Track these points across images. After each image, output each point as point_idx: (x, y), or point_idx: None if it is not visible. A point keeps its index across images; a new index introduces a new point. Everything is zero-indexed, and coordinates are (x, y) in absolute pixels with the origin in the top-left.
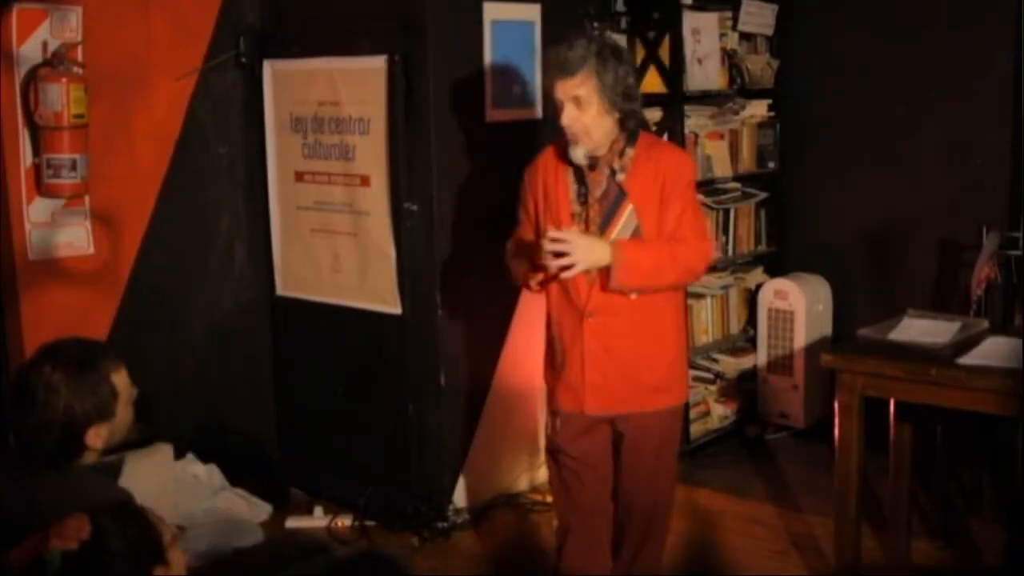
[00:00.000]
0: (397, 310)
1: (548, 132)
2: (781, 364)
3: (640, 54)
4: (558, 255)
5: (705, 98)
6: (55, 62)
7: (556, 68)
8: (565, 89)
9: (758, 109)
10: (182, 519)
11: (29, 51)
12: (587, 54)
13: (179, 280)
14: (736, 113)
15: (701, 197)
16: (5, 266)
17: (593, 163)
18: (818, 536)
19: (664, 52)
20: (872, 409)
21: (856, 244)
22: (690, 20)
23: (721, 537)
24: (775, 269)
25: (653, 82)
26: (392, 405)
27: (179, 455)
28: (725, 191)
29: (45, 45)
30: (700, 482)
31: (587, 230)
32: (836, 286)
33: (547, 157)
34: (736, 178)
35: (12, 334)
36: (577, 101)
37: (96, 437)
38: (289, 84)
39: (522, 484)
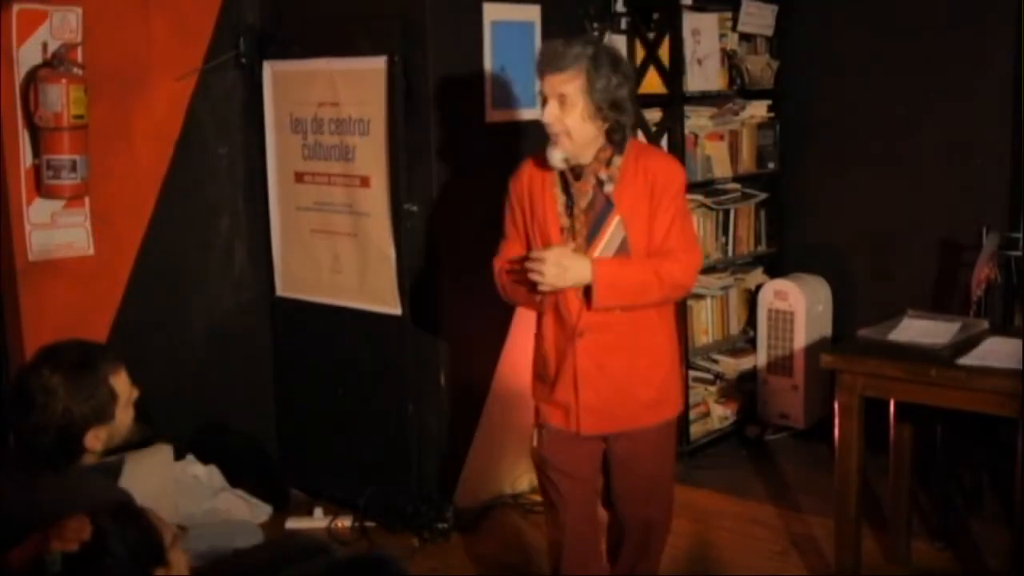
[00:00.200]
0: (397, 311)
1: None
2: (781, 365)
3: (640, 55)
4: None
5: (705, 99)
6: (55, 63)
7: (547, 60)
8: (552, 84)
9: (758, 110)
10: (182, 520)
11: (29, 52)
12: (582, 54)
13: (179, 281)
14: (736, 114)
15: (701, 198)
16: (5, 267)
17: (578, 172)
18: (818, 536)
19: (664, 53)
20: (872, 409)
21: (856, 244)
22: (690, 21)
23: (721, 537)
24: (775, 270)
25: (653, 83)
26: (392, 406)
27: (179, 456)
28: (725, 192)
29: (45, 46)
30: (700, 483)
31: (574, 243)
32: (836, 286)
33: (530, 166)
34: (736, 179)
35: (12, 335)
36: (562, 99)
37: (95, 439)
38: (289, 85)
39: (522, 485)
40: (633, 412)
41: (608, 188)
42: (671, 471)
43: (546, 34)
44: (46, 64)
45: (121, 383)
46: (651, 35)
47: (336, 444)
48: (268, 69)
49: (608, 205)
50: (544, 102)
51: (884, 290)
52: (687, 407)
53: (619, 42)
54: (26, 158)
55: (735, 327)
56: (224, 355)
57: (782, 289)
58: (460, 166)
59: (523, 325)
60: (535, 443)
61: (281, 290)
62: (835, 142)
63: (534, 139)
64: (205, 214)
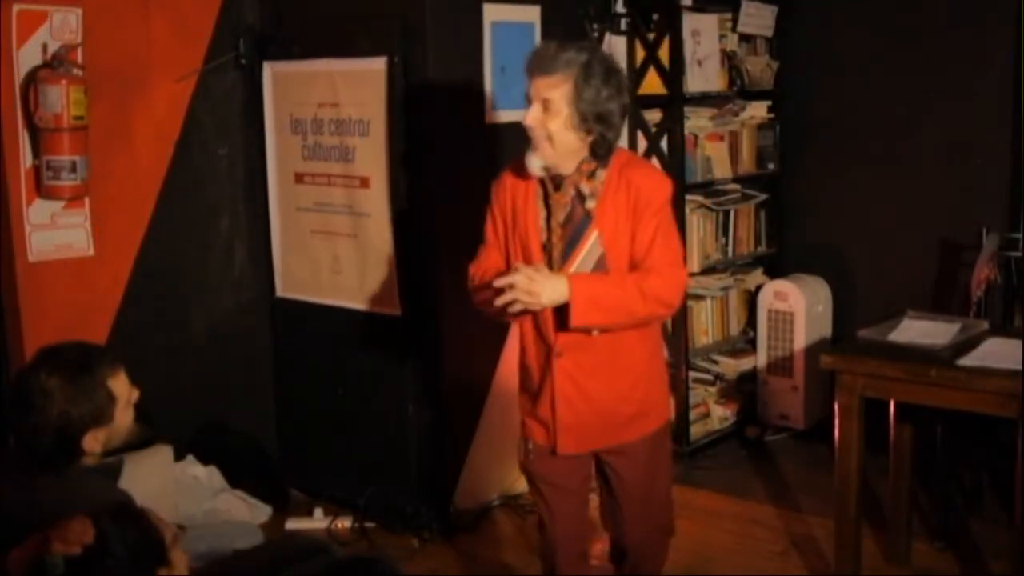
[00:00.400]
0: (397, 311)
1: None
2: (781, 365)
3: (640, 55)
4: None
5: (705, 99)
6: (55, 64)
7: (536, 62)
8: (537, 87)
9: (758, 110)
10: (182, 520)
11: (29, 53)
12: (573, 60)
13: (179, 281)
14: (736, 114)
15: (701, 199)
16: (5, 268)
17: (559, 182)
18: (818, 537)
19: (664, 53)
20: (872, 410)
21: (856, 245)
22: (690, 22)
23: (721, 538)
24: (775, 270)
25: (653, 83)
26: (392, 406)
27: (179, 456)
28: (725, 192)
29: (45, 47)
30: (700, 483)
31: (548, 266)
32: (836, 287)
33: (513, 173)
34: (736, 179)
35: (12, 335)
36: (546, 104)
37: (94, 441)
38: (289, 85)
39: (522, 485)
40: (614, 430)
41: (590, 204)
42: (667, 491)
43: (546, 35)
44: (46, 65)
45: (120, 385)
46: (651, 36)
47: (336, 444)
48: (268, 70)
49: (586, 219)
50: (529, 104)
51: (884, 290)
52: (687, 408)
53: (619, 43)
54: (26, 159)
55: (735, 328)
56: (224, 356)
57: (782, 290)
58: (460, 167)
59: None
60: (521, 456)
61: (281, 291)
62: (835, 142)
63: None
64: (205, 215)
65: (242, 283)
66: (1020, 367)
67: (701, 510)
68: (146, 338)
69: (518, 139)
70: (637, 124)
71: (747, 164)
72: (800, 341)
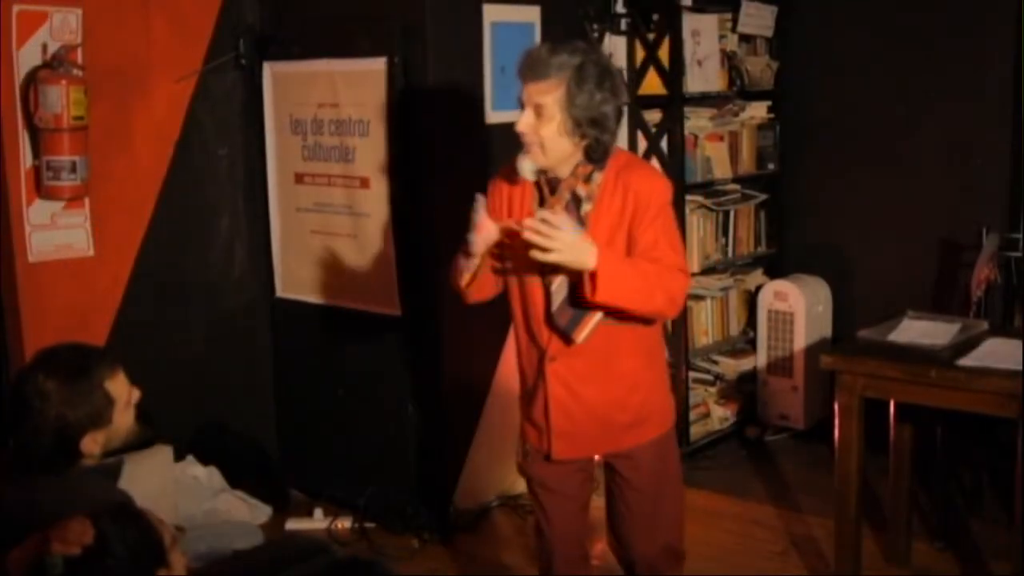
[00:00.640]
0: (397, 312)
1: None
2: (781, 365)
3: (640, 56)
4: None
5: (705, 100)
6: (55, 64)
7: (528, 66)
8: (530, 92)
9: (758, 111)
10: (182, 521)
11: (29, 53)
12: (566, 64)
13: (179, 282)
14: (736, 115)
15: (701, 199)
16: (5, 268)
17: (554, 186)
18: (818, 537)
19: (664, 54)
20: (872, 410)
21: (856, 245)
22: (690, 22)
23: (721, 538)
24: (775, 270)
25: (653, 84)
26: (392, 406)
27: (179, 457)
28: (725, 193)
29: (45, 47)
30: (700, 484)
31: (541, 268)
32: (836, 287)
33: (509, 177)
34: (736, 180)
35: (12, 336)
36: (539, 110)
37: (92, 443)
38: (289, 86)
39: (522, 486)
40: (609, 436)
41: (585, 208)
42: (676, 511)
43: (546, 35)
44: (46, 65)
45: (118, 387)
46: (651, 36)
47: (336, 444)
48: (268, 70)
49: (578, 225)
50: (522, 108)
51: (884, 290)
52: (687, 408)
53: (619, 43)
54: (26, 159)
55: (735, 328)
56: (224, 356)
57: (782, 290)
58: (460, 167)
59: None
60: (519, 457)
61: (281, 291)
62: (835, 143)
63: None
64: (205, 215)
65: (242, 283)
66: (1020, 367)
67: (701, 510)
68: (146, 338)
69: (518, 139)
70: (637, 124)
71: (747, 164)
72: (800, 341)
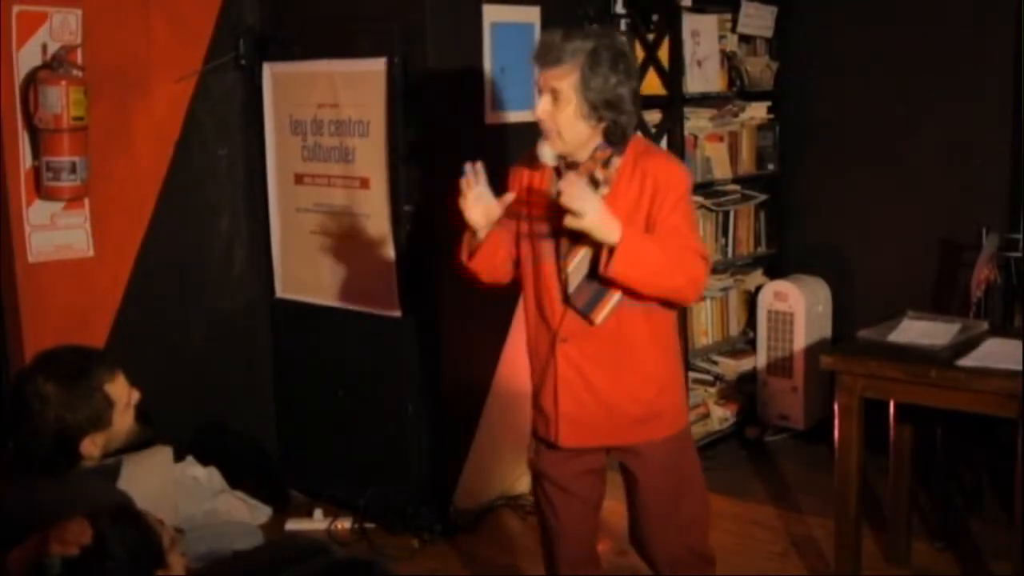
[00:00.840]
0: (397, 312)
1: None
2: (781, 366)
3: (640, 56)
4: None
5: (704, 100)
6: (54, 64)
7: (542, 53)
8: (545, 78)
9: (757, 111)
10: (182, 521)
11: (29, 53)
12: (579, 49)
13: (179, 282)
14: (735, 115)
15: (700, 199)
16: (5, 269)
17: (573, 170)
18: (818, 537)
19: (663, 54)
20: (872, 410)
21: (856, 245)
22: (689, 22)
23: (721, 539)
24: (775, 271)
25: (652, 84)
26: (392, 406)
27: (179, 457)
28: (724, 193)
29: (45, 47)
30: None
31: (556, 250)
32: (836, 287)
33: (529, 162)
34: (735, 180)
35: (12, 336)
36: (555, 95)
37: (92, 445)
38: (289, 86)
39: (522, 486)
40: (618, 428)
41: (602, 191)
42: (699, 512)
43: None
44: (46, 66)
45: (118, 389)
46: (651, 36)
47: (336, 445)
48: (268, 70)
49: None
50: (537, 95)
51: (884, 291)
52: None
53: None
54: (26, 160)
55: (735, 328)
56: (224, 357)
57: (782, 290)
58: (460, 168)
59: (523, 326)
60: (530, 453)
61: (281, 292)
62: (835, 143)
63: (533, 141)
64: (205, 215)
65: (242, 283)
66: (1020, 367)
67: None
68: (146, 338)
69: (518, 139)
70: (637, 125)
71: (747, 165)
72: (800, 341)
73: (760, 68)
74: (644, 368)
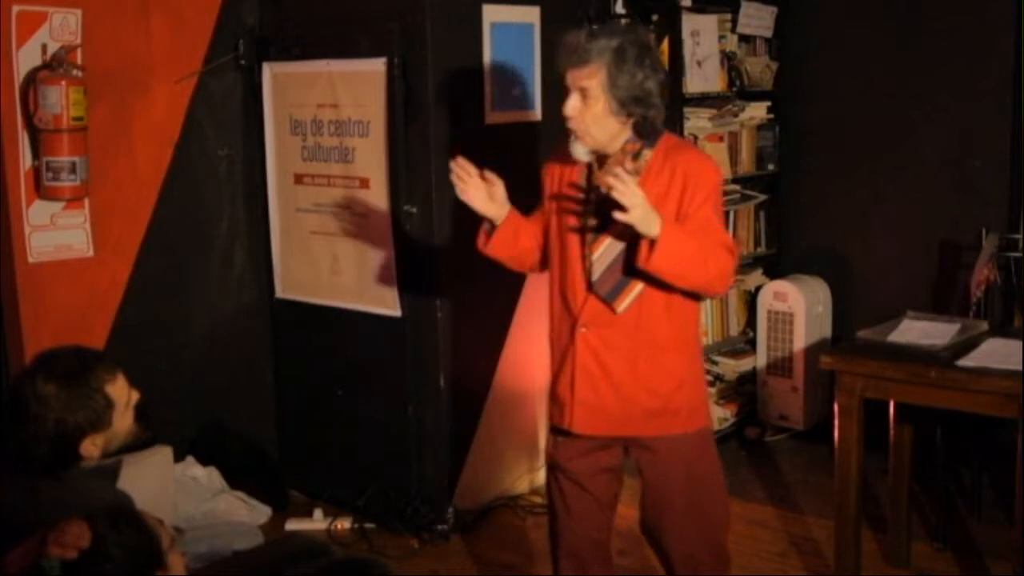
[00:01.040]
0: (397, 312)
1: (548, 134)
2: (781, 366)
3: None
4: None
5: (704, 100)
6: (54, 65)
7: (568, 53)
8: (572, 77)
9: (757, 111)
10: (181, 521)
11: (28, 53)
12: (605, 48)
13: (179, 282)
14: (735, 115)
15: None
16: (5, 269)
17: (602, 163)
18: (818, 538)
19: (663, 54)
20: (872, 410)
21: (856, 245)
22: (689, 22)
23: None
24: (774, 271)
25: None
26: (392, 407)
27: (179, 457)
28: (724, 193)
29: (45, 48)
30: None
31: (583, 238)
32: (835, 288)
33: (561, 157)
34: (735, 180)
35: (12, 336)
36: (583, 93)
37: (91, 446)
38: (288, 86)
39: (522, 486)
40: (632, 419)
41: None
42: (711, 507)
43: (546, 35)
44: (46, 66)
45: (118, 390)
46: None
47: (336, 445)
48: (267, 71)
49: None
50: (566, 94)
51: (884, 291)
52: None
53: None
54: (26, 160)
55: (735, 328)
56: (224, 357)
57: (782, 290)
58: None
59: (523, 326)
60: (548, 445)
61: (280, 292)
62: (835, 143)
63: (534, 141)
64: (205, 216)
65: (242, 284)
66: (1020, 368)
67: None
68: (146, 339)
69: (518, 139)
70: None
71: (747, 165)
72: (800, 342)
73: (760, 68)
74: (663, 362)
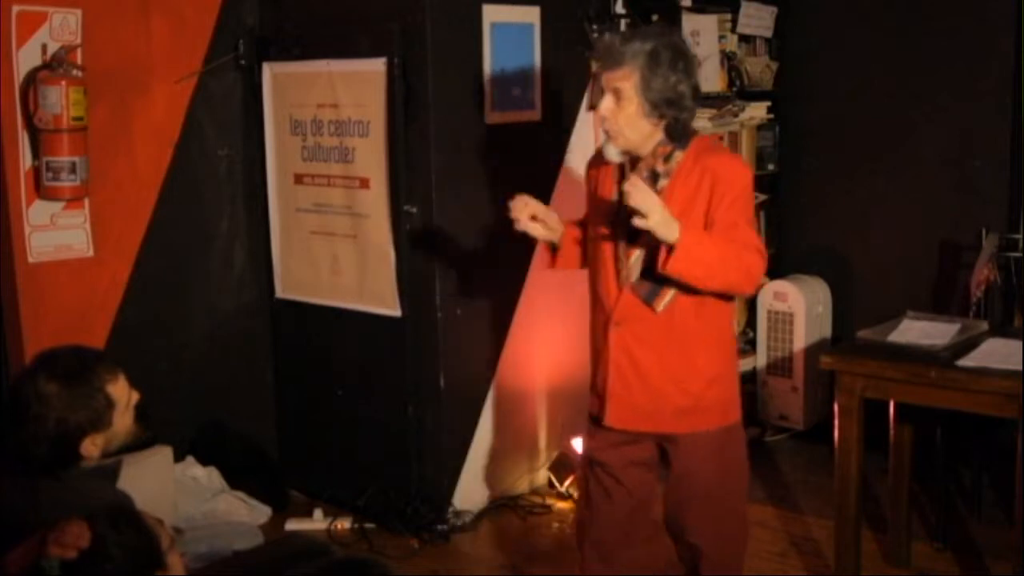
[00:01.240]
0: (397, 312)
1: (548, 134)
2: (781, 366)
3: None
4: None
5: (704, 100)
6: (54, 64)
7: (603, 56)
8: (607, 79)
9: (757, 111)
10: (181, 521)
11: (28, 53)
12: (639, 50)
13: (179, 283)
14: (735, 115)
15: None
16: (5, 269)
17: (634, 164)
18: (818, 538)
19: None
20: (872, 410)
21: (856, 245)
22: (689, 22)
23: None
24: (774, 271)
25: None
26: (392, 407)
27: (179, 457)
28: None
29: (45, 48)
30: None
31: (614, 239)
32: (835, 288)
33: (600, 157)
34: None
35: (12, 337)
36: (617, 95)
37: (92, 446)
38: (288, 86)
39: (522, 486)
40: (662, 415)
41: (661, 184)
42: (732, 502)
43: (546, 36)
44: (46, 66)
45: (119, 389)
46: None
47: (336, 445)
48: (267, 71)
49: None
50: (602, 95)
51: (884, 291)
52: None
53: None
54: (25, 160)
55: (735, 328)
56: (224, 357)
57: (782, 290)
58: (460, 167)
59: (523, 326)
60: (585, 436)
61: (281, 292)
62: (835, 143)
63: (534, 141)
64: (205, 216)
65: (242, 284)
66: (1020, 367)
67: None
68: (146, 339)
69: (518, 139)
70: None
71: None
72: (800, 342)
73: (760, 68)
74: (694, 360)
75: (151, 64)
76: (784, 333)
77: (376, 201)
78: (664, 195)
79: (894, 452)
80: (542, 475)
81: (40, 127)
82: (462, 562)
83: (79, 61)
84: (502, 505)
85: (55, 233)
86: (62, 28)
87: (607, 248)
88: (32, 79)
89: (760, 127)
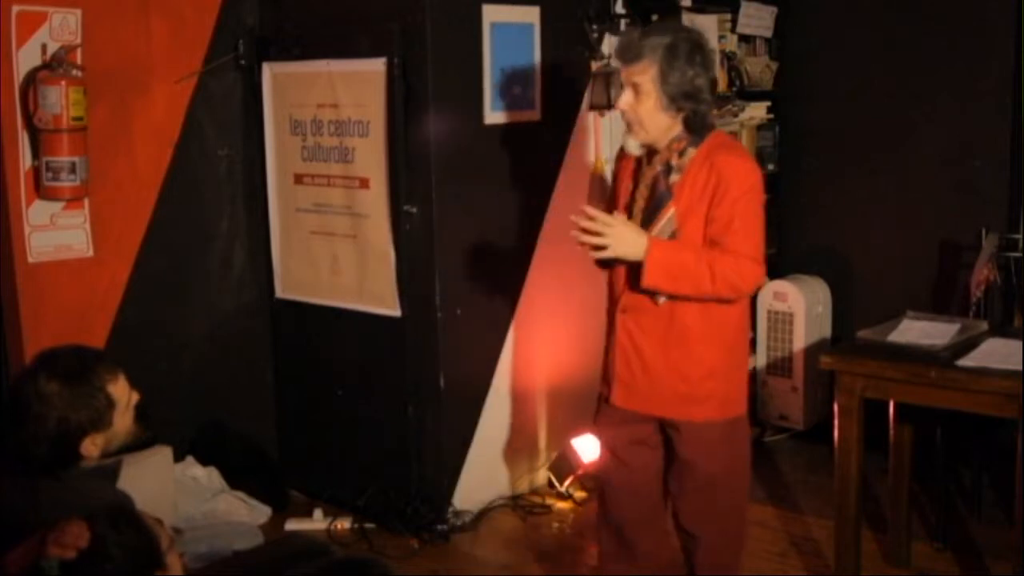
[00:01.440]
0: (396, 312)
1: (548, 134)
2: (780, 366)
3: None
4: (594, 236)
5: None
6: (54, 64)
7: (623, 50)
8: (626, 73)
9: (757, 111)
10: (181, 521)
11: (28, 53)
12: (657, 45)
13: (179, 283)
14: (735, 115)
15: None
16: (5, 268)
17: (652, 156)
18: (818, 538)
19: None
20: (872, 410)
21: (855, 246)
22: (689, 22)
23: None
24: (774, 271)
25: None
26: (392, 407)
27: (179, 457)
28: None
29: (44, 48)
30: None
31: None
32: (835, 288)
33: (625, 150)
34: None
35: (12, 336)
36: (636, 88)
37: (92, 446)
38: (288, 86)
39: (522, 486)
40: (662, 400)
41: (674, 178)
42: (733, 495)
43: (546, 36)
44: (45, 66)
45: (119, 389)
46: None
47: (336, 445)
48: (267, 71)
49: (666, 194)
50: (622, 89)
51: (884, 291)
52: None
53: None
54: (25, 160)
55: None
56: (224, 357)
57: (781, 290)
58: (459, 168)
59: (523, 326)
60: (596, 415)
61: (280, 292)
62: (835, 143)
63: (534, 141)
64: (204, 216)
65: (242, 284)
66: (1020, 367)
67: None
68: (146, 339)
69: (518, 139)
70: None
71: None
72: (800, 342)
73: (760, 68)
74: (693, 351)
75: (151, 64)
76: (784, 333)
77: (376, 201)
78: (675, 189)
79: (894, 452)
80: (542, 475)
81: (40, 127)
82: (462, 562)
83: (79, 61)
84: (502, 505)
85: (55, 233)
86: (62, 28)
87: None
88: (32, 79)
89: (760, 127)
